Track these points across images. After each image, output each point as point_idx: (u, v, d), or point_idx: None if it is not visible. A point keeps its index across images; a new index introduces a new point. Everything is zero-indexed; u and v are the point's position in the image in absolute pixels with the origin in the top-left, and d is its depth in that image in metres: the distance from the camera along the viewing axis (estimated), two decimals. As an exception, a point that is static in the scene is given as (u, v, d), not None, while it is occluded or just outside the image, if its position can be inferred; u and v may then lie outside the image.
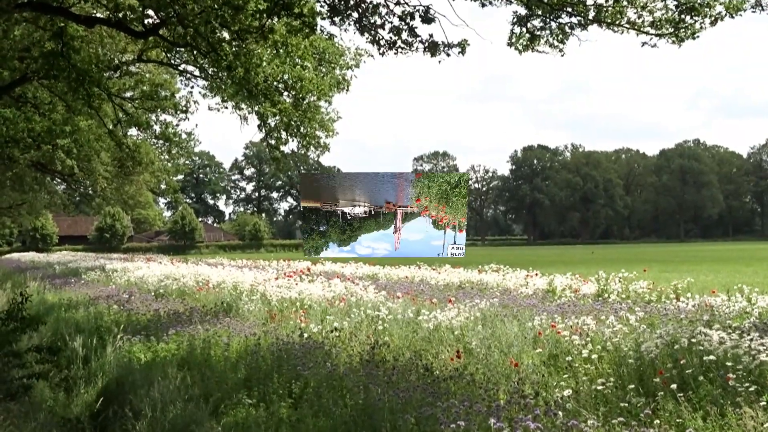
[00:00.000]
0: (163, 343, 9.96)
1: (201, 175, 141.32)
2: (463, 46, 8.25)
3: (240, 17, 8.30)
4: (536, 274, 17.33)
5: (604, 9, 8.02)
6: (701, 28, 7.80)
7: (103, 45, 13.46)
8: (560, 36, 8.27)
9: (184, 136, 19.96)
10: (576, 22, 8.18)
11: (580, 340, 7.78)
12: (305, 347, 8.48)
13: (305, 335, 9.27)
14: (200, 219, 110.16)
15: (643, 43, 8.11)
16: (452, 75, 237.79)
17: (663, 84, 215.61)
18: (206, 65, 11.80)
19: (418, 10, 7.94)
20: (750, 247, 70.87)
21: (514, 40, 8.45)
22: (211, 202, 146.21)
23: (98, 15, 11.77)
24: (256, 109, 11.99)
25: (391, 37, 8.22)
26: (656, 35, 8.05)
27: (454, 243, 8.30)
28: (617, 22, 8.05)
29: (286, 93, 11.70)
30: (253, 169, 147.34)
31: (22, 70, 13.21)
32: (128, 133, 19.09)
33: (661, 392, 5.86)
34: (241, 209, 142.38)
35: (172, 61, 14.13)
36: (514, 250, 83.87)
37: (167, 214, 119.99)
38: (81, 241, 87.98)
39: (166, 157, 22.04)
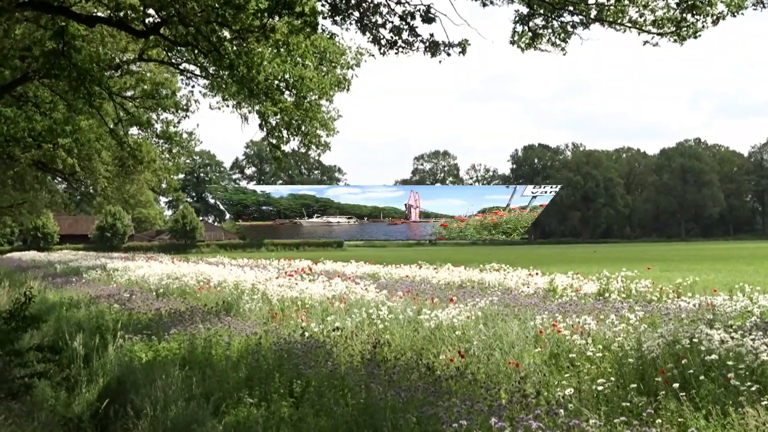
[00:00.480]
0: (165, 342, 9.96)
1: (202, 174, 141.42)
2: (463, 45, 8.25)
3: (241, 16, 8.30)
4: (537, 273, 17.32)
5: (606, 7, 8.01)
6: (703, 27, 7.79)
7: (104, 44, 13.46)
8: (562, 35, 8.26)
9: (185, 135, 19.98)
10: (578, 20, 8.17)
11: (581, 339, 7.78)
12: (306, 346, 8.48)
13: (306, 334, 9.27)
14: (201, 218, 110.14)
15: (645, 42, 8.10)
16: (453, 74, 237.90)
17: (664, 83, 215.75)
18: (207, 64, 11.79)
19: (418, 10, 7.93)
20: (751, 246, 70.82)
21: (516, 39, 8.44)
22: (212, 201, 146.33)
23: (99, 14, 11.78)
24: (257, 108, 11.99)
25: (391, 37, 8.21)
26: (658, 34, 8.04)
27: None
28: (619, 21, 8.04)
29: (287, 92, 11.70)
30: (253, 168, 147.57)
31: (23, 69, 13.21)
32: (129, 132, 19.09)
33: (662, 391, 5.85)
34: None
35: (173, 60, 14.13)
36: (515, 249, 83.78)
37: (168, 213, 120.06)
38: (82, 240, 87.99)
39: (167, 156, 22.02)
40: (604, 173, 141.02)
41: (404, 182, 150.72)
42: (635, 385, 6.12)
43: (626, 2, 7.95)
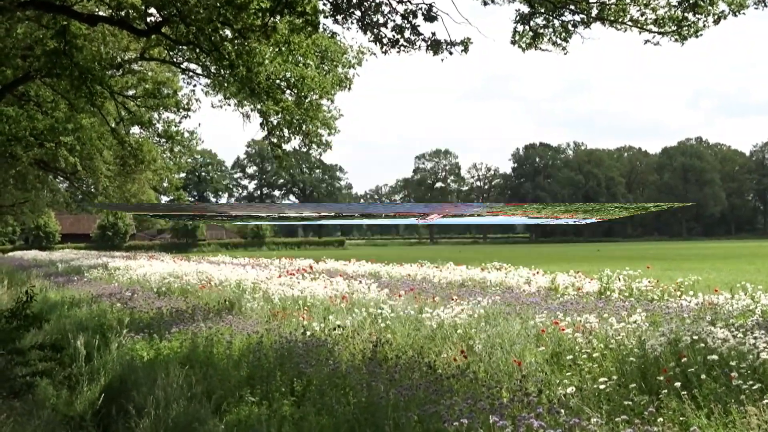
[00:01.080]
0: (166, 341, 9.97)
1: (203, 173, 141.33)
2: (465, 44, 8.25)
3: (242, 15, 8.29)
4: (538, 272, 17.31)
5: (607, 6, 8.01)
6: (704, 26, 7.78)
7: (105, 43, 13.48)
8: (563, 34, 8.26)
9: (186, 134, 20.01)
10: (579, 20, 8.17)
11: (583, 338, 7.78)
12: (308, 345, 8.48)
13: (308, 333, 9.28)
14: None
15: (646, 41, 8.10)
16: (454, 73, 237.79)
17: (665, 82, 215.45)
18: (209, 63, 11.81)
19: (420, 8, 7.95)
20: (752, 245, 70.71)
21: (517, 38, 8.45)
22: (214, 200, 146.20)
23: (101, 13, 11.80)
24: (259, 107, 12.02)
25: (393, 36, 8.22)
26: (659, 33, 8.04)
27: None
28: (620, 20, 8.04)
29: (288, 91, 11.72)
30: (255, 167, 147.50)
31: (25, 68, 13.22)
32: (130, 131, 19.12)
33: (664, 390, 5.85)
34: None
35: (175, 60, 14.16)
36: (516, 248, 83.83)
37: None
38: (83, 239, 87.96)
39: (169, 155, 22.06)
40: (606, 172, 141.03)
41: (405, 182, 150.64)
42: (637, 384, 6.12)
43: (627, 1, 7.95)
